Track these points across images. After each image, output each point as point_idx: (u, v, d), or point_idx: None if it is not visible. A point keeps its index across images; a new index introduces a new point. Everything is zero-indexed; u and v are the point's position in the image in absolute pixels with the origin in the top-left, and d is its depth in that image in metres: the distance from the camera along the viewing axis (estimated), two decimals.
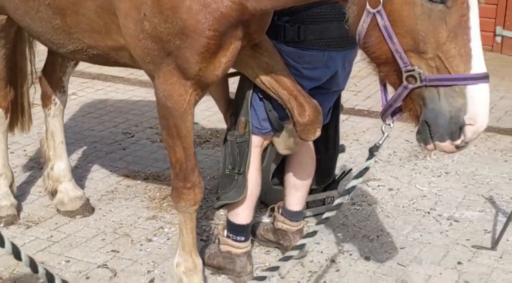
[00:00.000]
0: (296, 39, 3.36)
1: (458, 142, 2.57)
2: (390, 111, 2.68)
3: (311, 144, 3.79)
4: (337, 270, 3.84)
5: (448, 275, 3.81)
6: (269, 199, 4.27)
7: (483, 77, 2.49)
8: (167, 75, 3.05)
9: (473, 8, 2.47)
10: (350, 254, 4.00)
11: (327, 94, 3.63)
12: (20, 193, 4.54)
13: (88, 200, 4.44)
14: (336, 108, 3.92)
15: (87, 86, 6.67)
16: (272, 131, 3.56)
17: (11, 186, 4.31)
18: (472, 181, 4.95)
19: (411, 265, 3.90)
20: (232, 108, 3.57)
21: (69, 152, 5.11)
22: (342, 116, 6.04)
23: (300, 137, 3.43)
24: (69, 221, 4.27)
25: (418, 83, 2.53)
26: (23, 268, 3.70)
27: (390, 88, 2.79)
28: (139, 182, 4.78)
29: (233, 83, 3.69)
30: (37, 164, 4.96)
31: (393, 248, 4.08)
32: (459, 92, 2.50)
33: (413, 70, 2.53)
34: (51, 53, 4.23)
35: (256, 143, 3.53)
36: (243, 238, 3.67)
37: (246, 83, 3.47)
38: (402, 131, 5.80)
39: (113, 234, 4.15)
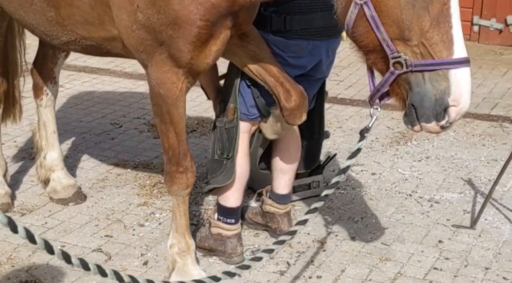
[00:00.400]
0: (282, 29, 3.50)
1: (443, 122, 2.74)
2: (377, 96, 2.85)
3: (297, 129, 3.93)
4: (324, 250, 4.00)
5: (430, 252, 3.98)
6: (257, 183, 4.41)
7: (465, 61, 2.66)
8: (160, 64, 3.18)
9: None
10: (336, 235, 4.16)
11: (311, 81, 3.78)
12: (13, 183, 4.65)
13: (80, 188, 4.55)
14: (320, 95, 4.06)
15: (74, 79, 6.77)
16: (259, 117, 3.70)
17: (4, 175, 4.41)
18: (452, 164, 5.12)
19: (394, 244, 4.06)
20: (221, 95, 3.70)
21: (59, 143, 5.22)
22: (325, 105, 6.24)
23: (287, 122, 3.58)
24: (62, 208, 4.39)
25: (404, 69, 2.68)
26: (20, 253, 3.86)
27: (377, 74, 2.96)
28: (129, 170, 4.90)
29: (221, 72, 3.83)
30: (28, 155, 5.06)
31: (377, 228, 4.24)
32: (443, 76, 2.67)
33: (400, 56, 2.68)
34: (42, 45, 4.33)
35: (244, 128, 3.66)
36: (233, 221, 3.81)
37: (234, 71, 3.60)
38: (384, 118, 5.97)
39: (106, 220, 4.27)
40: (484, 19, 8.04)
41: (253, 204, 4.35)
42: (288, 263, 3.86)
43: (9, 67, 4.35)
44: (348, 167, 2.86)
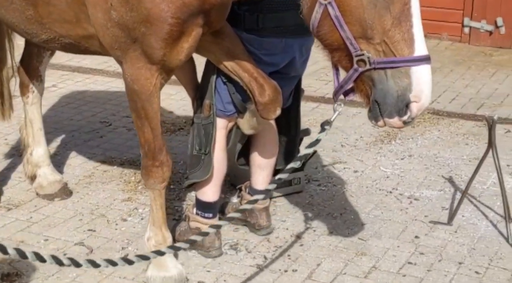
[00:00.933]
0: (255, 27, 3.59)
1: (405, 117, 2.85)
2: (341, 92, 2.96)
3: (274, 125, 4.02)
4: (301, 245, 4.08)
5: (405, 247, 4.06)
6: (237, 179, 4.50)
7: (425, 59, 2.77)
8: (134, 60, 3.27)
9: None
10: (314, 230, 4.24)
11: (286, 79, 3.86)
12: (1, 179, 4.75)
13: (66, 184, 4.65)
14: (296, 92, 4.14)
15: (67, 79, 6.87)
16: (236, 113, 3.79)
17: None
18: (434, 163, 5.20)
19: (371, 239, 4.14)
20: (197, 92, 3.79)
21: (49, 141, 5.33)
22: (312, 104, 6.35)
23: (262, 116, 3.67)
24: (48, 203, 4.49)
25: (368, 66, 2.79)
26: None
27: (342, 72, 3.05)
28: (115, 167, 5.00)
29: (200, 72, 3.92)
30: (17, 152, 5.16)
31: (355, 224, 4.32)
32: (405, 73, 2.77)
33: (363, 54, 2.78)
34: (28, 44, 4.43)
35: (221, 125, 3.76)
36: (211, 215, 3.90)
37: (210, 69, 3.70)
38: None
39: (90, 215, 4.36)
40: (475, 21, 8.11)
41: (235, 200, 4.44)
42: (265, 257, 3.94)
43: None
44: (304, 155, 2.99)
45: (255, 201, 3.11)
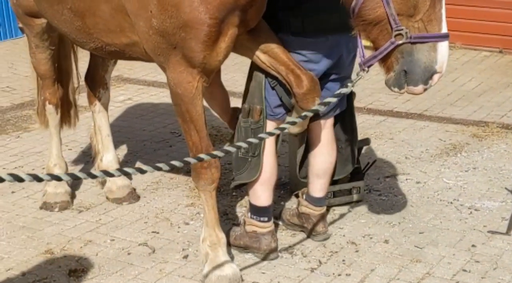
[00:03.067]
0: (301, 30, 3.69)
1: (427, 86, 3.23)
2: (374, 61, 3.25)
3: (331, 133, 4.11)
4: (356, 251, 4.15)
5: (461, 255, 4.07)
6: (298, 187, 4.60)
7: (447, 36, 3.18)
8: (176, 65, 3.45)
9: None
10: (371, 238, 4.30)
11: (337, 80, 3.93)
12: (75, 183, 5.01)
13: (134, 189, 4.87)
14: (349, 96, 4.20)
15: (142, 92, 7.16)
16: (285, 114, 3.90)
17: None
18: (498, 175, 5.17)
19: (427, 247, 4.17)
20: (244, 98, 3.93)
21: (121, 149, 5.61)
22: (379, 118, 6.41)
23: (301, 108, 3.73)
24: (116, 207, 4.71)
25: (404, 40, 3.13)
26: (73, 245, 4.19)
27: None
28: (181, 174, 5.19)
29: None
30: (91, 159, 5.42)
31: (412, 232, 4.35)
32: (432, 47, 3.15)
33: (402, 29, 3.12)
34: (93, 55, 4.69)
35: (271, 128, 3.88)
36: (266, 219, 4.01)
37: (258, 75, 3.82)
38: (437, 131, 6.07)
39: (155, 218, 4.56)
40: None
41: (293, 206, 4.54)
42: (319, 261, 4.03)
43: (62, 75, 4.72)
44: (329, 102, 3.32)
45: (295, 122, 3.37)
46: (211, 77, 3.60)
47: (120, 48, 3.79)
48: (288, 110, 3.89)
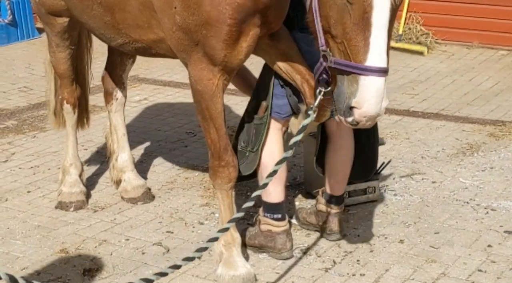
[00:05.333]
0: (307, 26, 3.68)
1: (349, 119, 2.95)
2: (317, 79, 3.13)
3: (348, 130, 4.08)
4: (371, 251, 4.13)
5: (477, 256, 4.04)
6: (312, 186, 4.60)
7: (377, 71, 2.80)
8: (197, 62, 3.47)
9: (379, 7, 2.74)
10: (386, 238, 4.28)
11: None
12: (90, 183, 5.03)
13: (149, 189, 4.88)
14: None
15: (158, 92, 7.17)
16: (290, 116, 3.90)
17: (80, 175, 4.79)
18: None
19: (443, 247, 4.14)
20: (253, 93, 3.94)
21: (136, 149, 5.62)
22: (395, 117, 6.37)
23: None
24: (131, 206, 4.72)
25: (328, 63, 2.93)
26: (87, 244, 4.20)
27: None
28: (196, 174, 5.20)
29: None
30: (106, 159, 5.44)
31: (427, 232, 4.32)
32: (355, 78, 2.86)
33: (326, 51, 2.92)
34: (111, 54, 4.72)
35: (277, 126, 3.89)
36: (280, 216, 4.00)
37: (268, 72, 3.83)
38: (454, 130, 6.03)
39: (169, 218, 4.57)
40: None
41: (308, 206, 4.52)
42: (334, 261, 4.02)
43: (78, 77, 4.73)
44: (295, 143, 3.13)
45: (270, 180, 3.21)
46: (232, 75, 3.61)
47: (147, 44, 3.82)
48: (294, 112, 3.89)
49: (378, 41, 2.77)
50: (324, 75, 2.99)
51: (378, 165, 4.76)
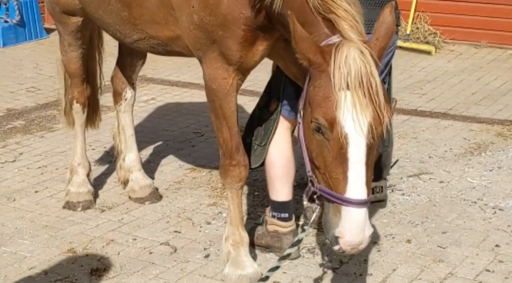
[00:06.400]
0: None
1: (336, 248, 2.96)
2: (308, 194, 3.08)
3: None
4: (378, 251, 4.12)
5: (484, 255, 4.03)
6: None
7: (357, 203, 2.85)
8: (212, 61, 3.48)
9: (354, 144, 2.80)
10: (393, 237, 4.27)
11: None
12: (98, 183, 5.04)
13: (156, 188, 4.89)
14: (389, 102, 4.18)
15: (166, 92, 7.18)
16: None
17: (88, 175, 4.80)
18: None
19: (450, 247, 4.14)
20: (266, 88, 3.94)
21: (144, 149, 5.63)
22: (402, 117, 6.36)
23: None
24: (138, 206, 4.73)
25: (314, 189, 2.97)
26: (95, 244, 4.21)
27: None
28: (204, 174, 5.20)
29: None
30: (113, 158, 5.45)
31: (435, 232, 4.32)
32: (338, 208, 2.89)
33: (311, 176, 2.98)
34: (121, 54, 4.72)
35: (286, 125, 3.90)
36: (287, 215, 4.00)
37: (281, 69, 3.83)
38: (462, 130, 6.01)
39: (177, 217, 4.57)
40: None
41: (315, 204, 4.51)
42: (341, 261, 4.01)
43: (89, 77, 4.75)
44: (299, 241, 3.22)
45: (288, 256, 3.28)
46: (247, 75, 3.61)
47: (163, 41, 3.82)
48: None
49: (356, 175, 2.83)
50: (315, 196, 3.02)
51: None
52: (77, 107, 4.70)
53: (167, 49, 3.89)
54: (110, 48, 4.96)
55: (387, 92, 4.17)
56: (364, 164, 2.82)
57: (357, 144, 2.79)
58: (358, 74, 2.73)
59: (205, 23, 3.41)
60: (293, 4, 3.03)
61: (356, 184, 2.83)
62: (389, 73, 4.27)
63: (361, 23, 2.91)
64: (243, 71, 3.52)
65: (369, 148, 2.82)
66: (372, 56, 2.79)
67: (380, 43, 2.89)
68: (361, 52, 2.75)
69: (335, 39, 2.87)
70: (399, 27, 3.97)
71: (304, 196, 3.13)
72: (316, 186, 2.94)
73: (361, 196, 2.84)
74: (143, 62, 4.78)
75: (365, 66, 2.73)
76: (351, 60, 2.73)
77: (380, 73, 4.03)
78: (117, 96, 4.77)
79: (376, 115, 2.77)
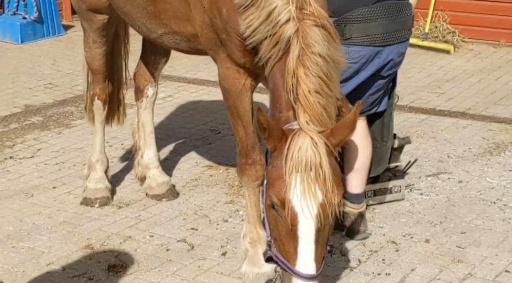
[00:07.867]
0: (342, 38, 3.66)
1: None
2: (265, 257, 3.17)
3: (365, 128, 4.07)
4: (397, 250, 4.09)
5: (504, 256, 4.00)
6: None
7: (304, 277, 2.92)
8: (223, 61, 3.48)
9: (304, 226, 2.86)
10: (411, 237, 4.24)
11: (376, 79, 3.90)
12: (115, 180, 5.04)
13: (174, 186, 4.88)
14: (390, 97, 4.17)
15: (183, 90, 7.18)
16: None
17: (106, 172, 4.81)
18: None
19: (469, 247, 4.10)
20: None
21: (161, 146, 5.62)
22: (421, 116, 6.32)
23: None
24: (155, 203, 4.73)
25: (271, 254, 3.05)
26: (112, 241, 4.21)
27: None
28: (221, 171, 5.19)
29: None
30: (131, 155, 5.45)
31: (454, 232, 4.28)
32: (290, 277, 2.97)
33: (270, 241, 3.06)
34: (145, 51, 4.73)
35: None
36: None
37: None
38: (480, 129, 5.97)
39: (194, 215, 4.57)
40: None
41: None
42: (359, 260, 3.99)
43: (114, 72, 4.77)
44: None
45: None
46: (260, 80, 3.57)
47: (186, 37, 3.82)
48: None
49: (305, 253, 2.91)
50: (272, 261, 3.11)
51: (404, 164, 4.74)
52: (98, 103, 4.71)
53: (190, 46, 3.88)
54: (133, 46, 4.96)
55: (391, 90, 4.18)
56: (313, 243, 2.91)
57: (306, 226, 2.88)
58: (308, 163, 2.84)
59: (214, 24, 3.44)
60: (275, 74, 3.11)
61: (306, 260, 2.91)
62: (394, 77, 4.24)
63: (331, 108, 3.01)
64: (254, 76, 3.50)
65: (318, 229, 2.90)
66: (326, 145, 2.89)
67: (336, 136, 2.95)
68: (315, 143, 2.87)
69: (296, 125, 2.97)
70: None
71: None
72: (273, 251, 3.04)
73: (310, 271, 2.91)
74: (166, 60, 4.79)
75: (315, 156, 2.85)
76: (304, 150, 2.85)
77: (386, 83, 4.04)
78: (139, 93, 4.77)
79: (324, 201, 2.86)
